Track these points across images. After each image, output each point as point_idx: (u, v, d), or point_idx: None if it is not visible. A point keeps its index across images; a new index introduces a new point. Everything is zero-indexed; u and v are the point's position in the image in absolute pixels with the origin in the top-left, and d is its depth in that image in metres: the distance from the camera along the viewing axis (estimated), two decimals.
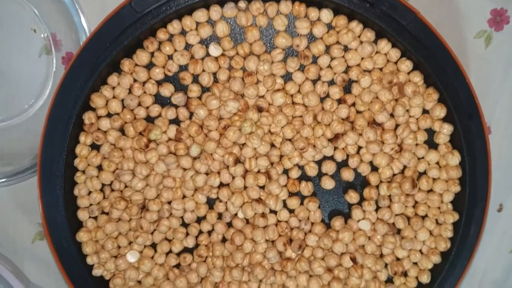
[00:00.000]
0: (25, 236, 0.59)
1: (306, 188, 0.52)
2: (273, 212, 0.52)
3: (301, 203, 0.52)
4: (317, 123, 0.50)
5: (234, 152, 0.50)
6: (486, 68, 0.57)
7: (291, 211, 0.52)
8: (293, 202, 0.52)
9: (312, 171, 0.52)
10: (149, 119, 0.51)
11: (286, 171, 0.52)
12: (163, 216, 0.51)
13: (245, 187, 0.51)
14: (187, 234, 0.52)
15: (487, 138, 0.50)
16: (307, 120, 0.50)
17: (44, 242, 0.58)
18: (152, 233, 0.52)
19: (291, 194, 0.52)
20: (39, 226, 0.58)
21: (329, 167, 0.51)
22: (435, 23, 0.49)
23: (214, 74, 0.50)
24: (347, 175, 0.52)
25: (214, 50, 0.49)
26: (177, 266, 0.53)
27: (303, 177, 0.52)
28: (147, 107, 0.51)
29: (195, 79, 0.50)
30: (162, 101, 0.51)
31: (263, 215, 0.51)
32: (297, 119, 0.51)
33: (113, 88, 0.50)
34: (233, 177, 0.51)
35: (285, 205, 0.52)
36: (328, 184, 0.52)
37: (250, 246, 0.51)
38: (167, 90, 0.50)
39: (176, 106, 0.51)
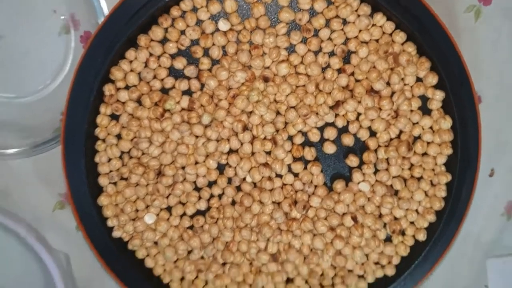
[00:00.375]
0: (45, 205, 0.60)
1: (309, 153, 0.53)
2: (279, 176, 0.54)
3: (305, 168, 0.54)
4: (319, 92, 0.52)
5: (243, 120, 0.52)
6: (476, 40, 0.58)
7: (296, 175, 0.54)
8: (297, 167, 0.53)
9: (314, 137, 0.53)
10: (164, 91, 0.53)
11: (290, 138, 0.53)
12: (178, 181, 0.53)
13: (253, 153, 0.53)
14: (200, 197, 0.54)
15: (477, 103, 0.52)
16: (309, 89, 0.52)
17: (64, 211, 0.60)
18: (167, 197, 0.54)
19: (295, 159, 0.54)
20: (59, 196, 0.60)
21: (330, 133, 0.53)
22: None
23: (223, 47, 0.52)
24: (348, 140, 0.53)
25: (223, 25, 0.51)
26: (191, 227, 0.55)
27: (306, 143, 0.54)
28: (162, 79, 0.52)
29: (206, 52, 0.52)
30: (175, 73, 0.53)
31: (269, 178, 0.53)
32: (300, 88, 0.52)
33: (131, 62, 0.52)
34: (242, 143, 0.52)
35: (290, 169, 0.54)
36: (329, 149, 0.53)
37: (258, 207, 0.53)
38: (180, 63, 0.52)
39: (189, 78, 0.52)
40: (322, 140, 0.54)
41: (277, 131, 0.53)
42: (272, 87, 0.52)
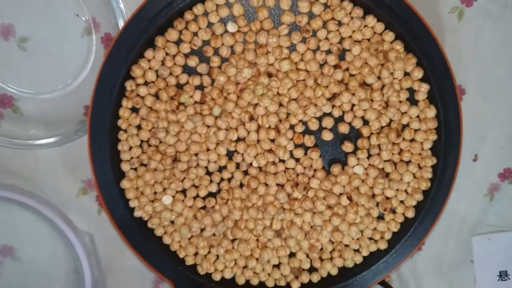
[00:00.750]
0: (70, 191, 0.62)
1: (309, 140, 0.56)
2: (282, 161, 0.56)
3: (305, 153, 0.56)
4: (317, 85, 0.55)
5: (249, 111, 0.55)
6: (459, 39, 0.60)
7: (297, 160, 0.56)
8: (298, 152, 0.56)
9: (314, 126, 0.56)
10: (179, 86, 0.55)
11: (292, 126, 0.56)
12: (192, 166, 0.56)
13: (258, 141, 0.56)
14: (211, 181, 0.57)
15: (458, 94, 0.55)
16: (309, 83, 0.55)
17: (87, 196, 0.62)
18: (182, 181, 0.56)
19: (296, 146, 0.56)
20: (82, 183, 0.62)
21: (328, 122, 0.56)
22: (414, 2, 0.54)
23: (231, 47, 0.55)
24: (343, 128, 0.56)
25: (231, 27, 0.55)
26: (203, 208, 0.57)
27: (306, 131, 0.56)
28: (177, 76, 0.55)
29: (216, 51, 0.55)
30: (189, 70, 0.56)
31: (273, 163, 0.56)
32: (301, 83, 0.55)
33: (149, 60, 0.55)
34: (248, 132, 0.55)
35: (292, 155, 0.56)
36: (327, 136, 0.56)
37: (263, 189, 0.56)
38: (193, 61, 0.55)
39: (201, 75, 0.55)
40: (321, 128, 0.57)
41: (280, 120, 0.56)
42: (276, 82, 0.54)
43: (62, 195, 0.62)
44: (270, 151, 0.56)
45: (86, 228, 0.63)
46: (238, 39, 0.55)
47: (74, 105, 0.61)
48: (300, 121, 0.56)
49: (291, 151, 0.57)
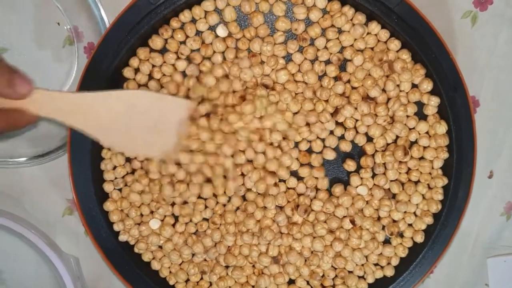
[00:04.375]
0: (56, 210, 0.61)
1: (316, 159, 0.54)
2: (283, 180, 0.54)
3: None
4: (318, 100, 0.53)
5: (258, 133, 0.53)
6: (473, 46, 0.58)
7: (300, 178, 0.54)
8: (305, 171, 0.54)
9: (318, 147, 0.54)
10: None
11: (296, 144, 0.54)
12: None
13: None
14: (206, 206, 0.55)
15: (471, 108, 0.52)
16: (307, 95, 0.53)
17: (73, 216, 0.61)
18: (172, 205, 0.54)
19: (301, 164, 0.55)
20: (67, 202, 0.60)
21: (331, 141, 0.54)
22: (423, 6, 0.52)
23: (223, 53, 0.53)
24: (345, 146, 0.54)
25: (222, 31, 0.52)
26: (195, 232, 0.55)
27: (310, 150, 0.55)
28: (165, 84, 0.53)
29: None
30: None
31: (275, 184, 0.54)
32: (300, 95, 0.53)
33: (135, 69, 0.53)
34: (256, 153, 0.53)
35: (297, 174, 0.54)
36: (329, 155, 0.54)
37: (260, 213, 0.54)
38: (180, 64, 0.53)
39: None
40: (323, 147, 0.55)
41: (284, 138, 0.54)
42: (274, 96, 0.53)
43: (47, 215, 0.61)
44: (272, 173, 0.54)
45: (73, 249, 0.61)
46: (229, 44, 0.53)
47: None
48: (304, 139, 0.54)
49: (296, 170, 0.55)
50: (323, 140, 0.54)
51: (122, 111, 0.48)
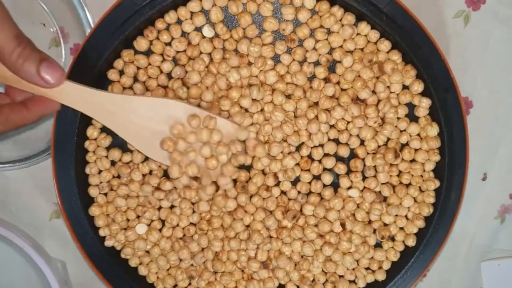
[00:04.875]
0: (43, 214, 0.61)
1: (316, 168, 0.53)
2: (276, 184, 0.54)
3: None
4: (308, 107, 0.52)
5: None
6: (466, 45, 0.58)
7: (292, 183, 0.54)
8: (306, 177, 0.54)
9: (318, 155, 0.53)
10: None
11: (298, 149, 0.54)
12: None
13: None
14: (194, 211, 0.54)
15: (463, 109, 0.52)
16: (297, 94, 0.52)
17: (60, 220, 0.60)
18: (158, 209, 0.54)
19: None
20: (55, 205, 0.60)
21: (330, 147, 0.53)
22: (415, 6, 0.51)
23: (209, 54, 0.52)
24: (343, 151, 0.53)
25: (208, 32, 0.52)
26: (183, 237, 0.54)
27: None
28: (152, 90, 0.53)
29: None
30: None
31: (267, 188, 0.53)
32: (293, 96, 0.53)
33: (119, 72, 0.52)
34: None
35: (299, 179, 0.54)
36: (329, 164, 0.53)
37: (249, 219, 0.54)
38: (166, 66, 0.52)
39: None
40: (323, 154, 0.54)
41: (285, 140, 0.53)
42: (269, 96, 0.52)
43: (34, 219, 0.61)
44: (275, 175, 0.53)
45: (61, 252, 0.61)
46: (216, 45, 0.52)
47: (43, 122, 0.59)
48: (303, 143, 0.54)
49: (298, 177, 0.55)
50: (322, 146, 0.54)
51: (150, 117, 0.49)
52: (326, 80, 0.53)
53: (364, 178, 0.54)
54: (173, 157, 0.50)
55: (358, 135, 0.53)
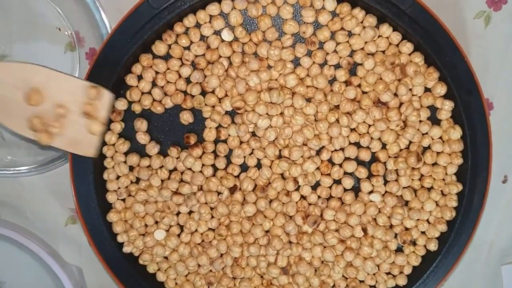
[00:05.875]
0: (58, 220, 0.61)
1: (337, 173, 0.53)
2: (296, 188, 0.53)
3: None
4: (329, 111, 0.52)
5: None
6: (486, 46, 0.57)
7: (312, 187, 0.53)
8: (326, 181, 0.53)
9: (338, 159, 0.53)
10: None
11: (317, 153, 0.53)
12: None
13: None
14: (212, 216, 0.54)
15: (487, 112, 0.51)
16: (317, 97, 0.51)
17: (76, 225, 0.60)
18: (177, 215, 0.54)
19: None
20: (70, 211, 0.60)
21: (351, 151, 0.53)
22: (435, 6, 0.51)
23: (229, 58, 0.52)
24: (364, 155, 0.53)
25: (227, 35, 0.51)
26: (201, 242, 0.54)
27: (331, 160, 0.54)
28: (171, 95, 0.52)
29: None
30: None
31: (287, 193, 0.53)
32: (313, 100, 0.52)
33: (138, 76, 0.52)
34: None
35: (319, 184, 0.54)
36: (350, 168, 0.53)
37: (268, 224, 0.54)
38: (185, 70, 0.52)
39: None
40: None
41: (305, 144, 0.53)
42: (290, 100, 0.52)
43: (50, 225, 0.61)
44: (295, 180, 0.53)
45: (76, 259, 0.61)
46: (236, 49, 0.52)
47: None
48: (324, 147, 0.54)
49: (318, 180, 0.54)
50: (343, 149, 0.53)
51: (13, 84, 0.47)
52: (347, 83, 0.52)
53: (386, 182, 0.54)
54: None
55: (379, 139, 0.53)
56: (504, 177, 0.60)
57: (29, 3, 0.57)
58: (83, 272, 0.61)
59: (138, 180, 0.54)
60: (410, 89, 0.52)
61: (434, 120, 0.53)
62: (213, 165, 0.53)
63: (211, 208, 0.54)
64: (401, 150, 0.53)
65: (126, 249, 0.54)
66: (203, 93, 0.53)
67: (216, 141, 0.53)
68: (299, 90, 0.52)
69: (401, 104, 0.52)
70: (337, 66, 0.52)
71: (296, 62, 0.52)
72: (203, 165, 0.53)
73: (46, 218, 0.61)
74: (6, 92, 0.48)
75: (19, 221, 0.60)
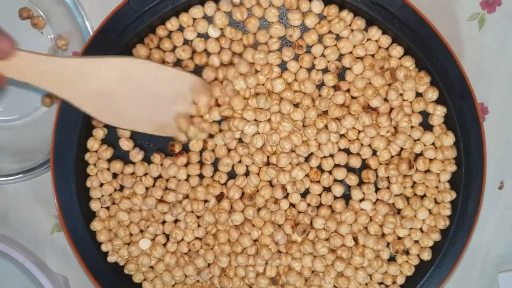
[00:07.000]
0: (44, 227, 0.60)
1: (326, 180, 0.53)
2: (285, 196, 0.53)
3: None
4: (317, 116, 0.51)
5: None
6: (480, 49, 0.57)
7: (302, 195, 0.53)
8: (315, 188, 0.53)
9: (328, 166, 0.52)
10: None
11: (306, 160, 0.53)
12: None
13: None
14: (199, 225, 0.53)
15: (480, 117, 0.51)
16: (305, 102, 0.51)
17: (62, 233, 0.59)
18: (163, 223, 0.53)
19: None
20: (56, 219, 0.60)
21: (340, 158, 0.52)
22: (427, 8, 0.50)
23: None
24: (354, 161, 0.52)
25: (213, 32, 0.51)
26: (188, 251, 0.54)
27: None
28: None
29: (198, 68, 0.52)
30: None
31: (276, 201, 0.52)
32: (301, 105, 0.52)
33: None
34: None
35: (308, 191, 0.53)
36: (340, 175, 0.53)
37: (256, 233, 0.53)
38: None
39: None
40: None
41: (293, 151, 0.53)
42: (277, 105, 0.52)
43: (35, 232, 0.61)
44: (283, 187, 0.53)
45: (63, 267, 0.61)
46: (223, 45, 0.52)
47: (42, 134, 0.58)
48: (313, 153, 0.53)
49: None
50: (332, 156, 0.53)
51: (115, 79, 0.46)
52: (336, 88, 0.52)
53: (377, 189, 0.53)
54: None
55: (370, 145, 0.52)
56: (500, 183, 0.60)
57: (11, 6, 0.56)
58: (69, 281, 0.60)
59: (122, 188, 0.53)
60: (401, 94, 0.52)
61: (426, 126, 0.53)
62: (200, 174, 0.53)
63: (198, 217, 0.53)
64: (392, 156, 0.53)
65: (111, 258, 0.54)
66: None
67: (202, 149, 0.53)
68: (286, 96, 0.51)
69: (391, 109, 0.52)
70: (325, 71, 0.52)
71: (283, 66, 0.52)
72: (188, 175, 0.53)
73: (31, 225, 0.60)
74: (120, 88, 0.47)
75: (3, 229, 0.60)
